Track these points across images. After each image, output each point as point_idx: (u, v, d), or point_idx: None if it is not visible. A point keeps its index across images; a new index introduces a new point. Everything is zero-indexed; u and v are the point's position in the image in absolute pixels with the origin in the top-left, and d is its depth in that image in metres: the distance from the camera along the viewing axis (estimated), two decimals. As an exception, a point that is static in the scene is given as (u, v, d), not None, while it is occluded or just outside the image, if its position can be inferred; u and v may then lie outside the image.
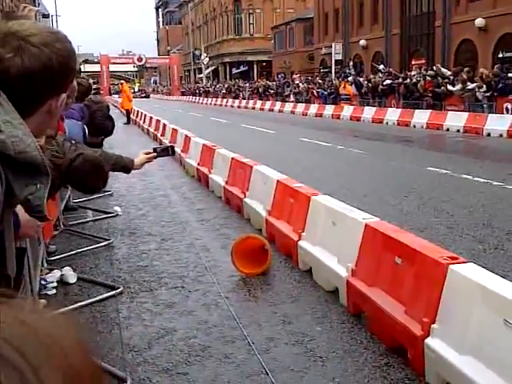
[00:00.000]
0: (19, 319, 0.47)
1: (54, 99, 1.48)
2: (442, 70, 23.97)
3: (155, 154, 4.18)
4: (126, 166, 4.11)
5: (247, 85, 51.91)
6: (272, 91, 42.87)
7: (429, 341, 3.40)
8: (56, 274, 5.34)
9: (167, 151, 4.30)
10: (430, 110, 22.35)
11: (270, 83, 45.53)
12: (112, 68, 77.42)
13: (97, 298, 4.91)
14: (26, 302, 0.52)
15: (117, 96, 53.40)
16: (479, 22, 29.41)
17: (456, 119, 20.01)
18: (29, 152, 1.34)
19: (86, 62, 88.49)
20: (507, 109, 19.48)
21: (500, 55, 28.16)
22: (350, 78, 32.06)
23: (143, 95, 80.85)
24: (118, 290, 5.05)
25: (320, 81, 36.84)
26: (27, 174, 1.38)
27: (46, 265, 5.61)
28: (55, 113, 1.53)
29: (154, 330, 4.26)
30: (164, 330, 4.25)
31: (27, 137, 1.35)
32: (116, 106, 34.78)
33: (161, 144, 16.86)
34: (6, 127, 1.33)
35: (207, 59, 73.49)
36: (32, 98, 1.44)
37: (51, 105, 1.48)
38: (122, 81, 36.68)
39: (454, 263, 3.42)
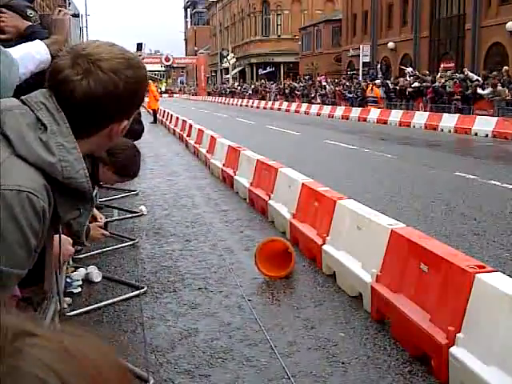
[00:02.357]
0: (63, 345, 0.47)
1: (116, 124, 1.47)
2: (469, 74, 23.67)
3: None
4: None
5: (273, 86, 51.91)
6: (298, 92, 42.79)
7: (453, 350, 3.36)
8: (81, 272, 5.39)
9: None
10: (458, 114, 22.11)
11: (297, 84, 45.47)
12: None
13: (121, 298, 4.94)
14: (67, 326, 0.52)
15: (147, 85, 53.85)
16: (510, 25, 29.00)
17: (485, 124, 19.76)
18: (77, 179, 1.35)
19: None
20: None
21: (531, 59, 27.73)
22: (378, 81, 31.86)
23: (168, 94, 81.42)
24: (142, 290, 5.08)
25: (347, 83, 36.68)
26: (73, 198, 1.39)
27: (71, 263, 5.67)
28: (115, 137, 1.52)
29: (177, 331, 4.27)
30: (187, 331, 4.26)
31: (78, 163, 1.36)
32: (143, 106, 35.02)
33: (186, 145, 16.96)
34: (59, 150, 1.33)
35: (234, 59, 73.71)
36: (93, 122, 1.43)
37: (112, 129, 1.48)
38: (149, 80, 37.11)
39: (481, 272, 3.37)
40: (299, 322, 4.42)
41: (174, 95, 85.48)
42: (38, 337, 0.46)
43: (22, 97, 1.43)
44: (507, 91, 20.79)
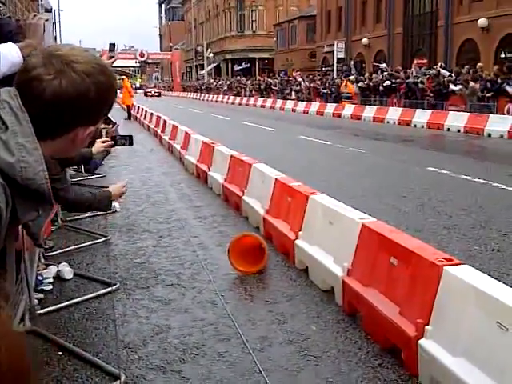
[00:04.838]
0: None
1: (82, 129, 1.45)
2: (442, 71, 23.89)
3: (112, 142, 4.14)
4: (84, 156, 4.14)
5: (249, 82, 51.90)
6: (275, 88, 42.84)
7: (422, 342, 3.40)
8: (52, 269, 5.35)
9: (126, 141, 4.14)
10: (431, 110, 22.35)
11: (272, 81, 45.52)
12: (104, 57, 76.98)
13: (93, 295, 4.90)
14: None
15: (118, 91, 53.45)
16: (482, 22, 29.39)
17: (457, 119, 20.00)
18: (36, 180, 1.32)
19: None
20: (508, 110, 19.47)
21: (502, 55, 28.12)
22: (352, 77, 32.04)
23: (156, 94, 70.68)
24: (115, 287, 5.05)
25: (322, 79, 36.82)
26: (32, 200, 1.36)
27: (42, 260, 5.62)
28: (79, 143, 1.49)
29: (150, 327, 4.26)
30: (159, 328, 4.25)
31: (38, 164, 1.33)
32: (117, 102, 34.75)
33: (161, 141, 16.88)
34: (19, 151, 1.30)
35: (211, 54, 73.52)
36: (60, 123, 1.41)
37: (77, 135, 1.45)
38: (124, 76, 36.80)
39: (448, 265, 3.42)
40: (271, 316, 4.44)
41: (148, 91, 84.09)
42: None
43: None
44: (478, 87, 21.05)
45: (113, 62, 4.67)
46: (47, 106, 1.36)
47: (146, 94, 68.08)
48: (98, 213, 7.90)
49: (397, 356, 3.70)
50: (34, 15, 3.09)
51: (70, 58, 1.38)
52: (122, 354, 3.86)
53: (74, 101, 1.37)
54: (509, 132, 17.40)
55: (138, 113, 27.30)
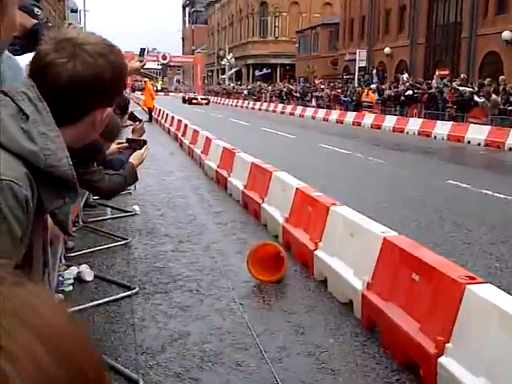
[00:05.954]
0: (28, 301, 0.48)
1: (100, 111, 1.48)
2: (460, 89, 23.61)
3: (127, 144, 4.18)
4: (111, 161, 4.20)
5: (269, 87, 51.96)
6: (295, 94, 42.87)
7: (442, 360, 3.39)
8: (73, 270, 5.39)
9: (138, 144, 4.12)
10: (452, 122, 22.22)
11: (293, 87, 45.56)
12: (133, 60, 77.34)
13: (112, 298, 4.95)
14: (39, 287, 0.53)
15: (139, 93, 53.73)
16: (506, 34, 29.18)
17: (478, 132, 19.87)
18: (59, 167, 1.34)
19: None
20: (530, 124, 19.32)
21: (526, 69, 27.90)
22: (373, 86, 31.96)
23: (204, 101, 52.65)
24: (134, 291, 5.09)
25: (343, 87, 36.81)
26: (57, 187, 1.38)
27: (63, 261, 5.67)
28: (98, 126, 1.52)
29: (168, 333, 4.28)
30: (178, 334, 4.27)
31: (61, 151, 1.35)
32: (138, 104, 34.96)
33: (181, 145, 16.96)
34: (41, 139, 1.33)
35: (233, 59, 73.73)
36: (78, 106, 1.43)
37: (96, 117, 1.47)
38: (146, 78, 36.90)
39: (471, 283, 3.40)
40: (290, 327, 4.44)
41: (170, 94, 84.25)
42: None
43: (4, 88, 1.43)
44: (500, 100, 20.90)
45: (143, 65, 4.72)
46: (64, 91, 1.38)
47: (188, 101, 52.12)
48: (119, 215, 7.99)
49: (415, 373, 3.68)
50: (69, 24, 3.13)
51: (80, 40, 1.41)
52: (141, 359, 3.88)
53: (89, 82, 1.39)
54: (530, 147, 17.25)
55: (159, 116, 27.43)
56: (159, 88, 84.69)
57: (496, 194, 9.85)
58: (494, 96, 21.07)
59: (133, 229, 7.37)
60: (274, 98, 47.32)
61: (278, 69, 69.82)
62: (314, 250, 5.56)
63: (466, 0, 33.54)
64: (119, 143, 4.30)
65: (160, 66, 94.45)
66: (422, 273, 3.88)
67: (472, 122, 21.44)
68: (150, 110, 27.56)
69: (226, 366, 3.81)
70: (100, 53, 1.41)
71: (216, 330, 4.36)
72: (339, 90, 35.99)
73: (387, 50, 41.84)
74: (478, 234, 7.30)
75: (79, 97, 1.41)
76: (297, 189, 6.59)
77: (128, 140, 4.27)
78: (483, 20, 31.93)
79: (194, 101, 51.82)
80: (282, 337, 4.26)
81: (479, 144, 19.28)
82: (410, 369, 3.74)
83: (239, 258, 6.06)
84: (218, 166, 10.78)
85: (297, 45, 63.87)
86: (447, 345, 3.39)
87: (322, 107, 35.73)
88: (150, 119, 27.02)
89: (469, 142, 19.86)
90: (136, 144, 4.21)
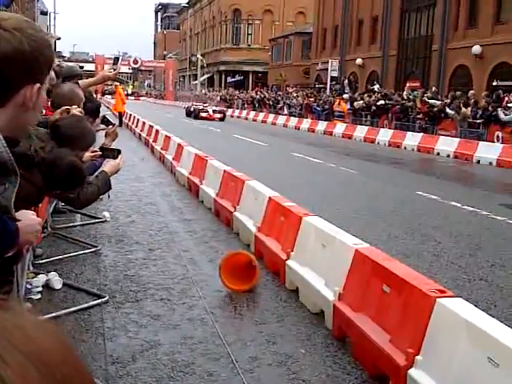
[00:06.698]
0: (18, 325, 0.47)
1: (28, 88, 1.42)
2: (430, 102, 23.97)
3: (100, 153, 4.15)
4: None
5: (242, 94, 52.05)
6: (268, 102, 43.01)
7: (412, 372, 3.42)
8: (42, 278, 5.31)
9: (112, 155, 4.05)
10: (422, 133, 22.53)
11: (267, 94, 45.73)
12: (106, 68, 76.85)
13: (82, 306, 4.88)
14: (20, 307, 0.52)
15: (109, 97, 53.31)
16: (476, 49, 29.74)
17: (447, 144, 20.18)
18: None
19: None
20: (498, 137, 19.68)
21: (494, 83, 28.44)
22: (346, 96, 32.26)
23: (217, 116, 36.38)
24: (104, 299, 5.03)
25: (315, 96, 37.09)
26: None
27: (31, 268, 5.58)
28: (31, 105, 1.46)
29: (139, 343, 4.24)
30: (148, 343, 4.24)
31: None
32: (108, 108, 34.62)
33: (152, 150, 16.85)
34: None
35: (205, 64, 73.69)
36: (3, 84, 1.39)
37: (25, 96, 1.42)
38: (116, 82, 36.51)
39: (441, 296, 3.45)
40: (261, 337, 4.44)
41: (141, 98, 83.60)
42: None
43: None
44: (469, 113, 21.28)
45: (116, 73, 4.66)
46: None
47: (194, 115, 37.15)
48: (89, 221, 7.90)
49: (385, 384, 3.71)
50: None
51: None
52: (111, 369, 3.84)
53: (10, 57, 1.36)
54: (497, 160, 17.56)
55: (129, 120, 27.24)
56: (129, 92, 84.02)
57: (465, 207, 10.01)
58: (464, 109, 21.44)
59: (103, 236, 7.29)
60: (246, 105, 47.39)
61: (251, 76, 70.02)
62: (286, 259, 5.57)
63: (437, 13, 34.14)
64: (93, 151, 4.25)
65: (131, 70, 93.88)
66: (392, 285, 3.93)
67: (442, 134, 21.78)
68: (121, 115, 27.34)
69: (198, 376, 3.79)
70: (17, 27, 1.39)
71: (187, 339, 4.34)
72: (312, 99, 36.22)
73: (359, 60, 42.28)
74: (446, 245, 7.41)
75: (2, 73, 1.37)
76: (269, 198, 6.61)
77: (102, 148, 4.22)
78: (454, 33, 32.52)
79: (203, 114, 36.45)
80: (254, 347, 4.26)
81: (448, 156, 19.58)
82: (381, 380, 3.77)
83: (211, 266, 6.05)
84: (190, 173, 10.74)
85: (270, 53, 64.16)
86: (417, 357, 3.43)
87: (294, 115, 35.92)
88: (121, 124, 26.82)
89: (438, 154, 20.16)
90: (110, 153, 4.17)
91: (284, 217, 6.08)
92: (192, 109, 39.13)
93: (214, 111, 37.85)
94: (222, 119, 36.51)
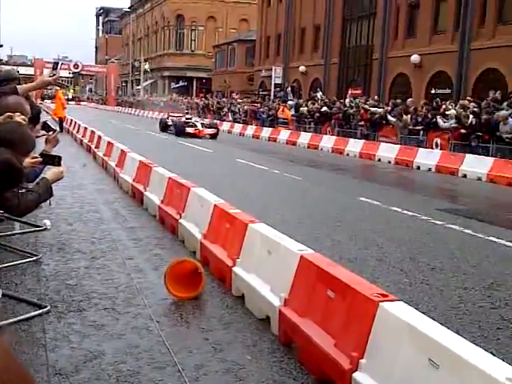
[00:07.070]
0: None
1: None
2: (372, 109, 24.53)
3: (41, 159, 4.08)
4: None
5: (186, 100, 51.83)
6: (213, 108, 42.99)
7: (356, 375, 3.49)
8: (-20, 289, 5.14)
9: (53, 162, 4.03)
10: (364, 140, 22.99)
11: (210, 101, 45.70)
12: (46, 73, 75.03)
13: (22, 317, 4.75)
14: None
15: (49, 101, 52.18)
16: (414, 58, 30.62)
17: (388, 150, 20.64)
18: None
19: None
20: (437, 144, 20.26)
21: (433, 91, 29.35)
22: (291, 102, 32.59)
23: (209, 132, 28.01)
24: (45, 309, 4.91)
25: (260, 102, 37.33)
26: None
27: (-31, 278, 5.40)
28: None
29: (82, 353, 4.16)
30: (92, 354, 4.16)
31: None
32: (48, 113, 33.83)
33: (94, 157, 16.58)
34: None
35: (149, 69, 73.07)
36: None
37: None
38: (57, 87, 35.62)
39: (384, 300, 3.53)
40: (207, 344, 4.43)
41: (82, 103, 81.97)
42: None
43: None
44: (409, 120, 21.85)
45: (55, 79, 4.57)
46: None
47: (177, 131, 28.16)
48: (28, 229, 7.69)
49: (331, 388, 3.76)
50: None
51: None
52: (53, 381, 3.75)
53: None
54: (436, 166, 18.08)
55: (70, 126, 26.71)
56: (70, 97, 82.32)
57: (405, 212, 10.25)
58: (405, 116, 21.99)
59: (43, 244, 7.11)
60: (190, 111, 47.20)
61: (195, 82, 69.85)
62: (232, 266, 5.58)
63: (377, 23, 34.95)
64: (33, 157, 4.16)
65: (71, 75, 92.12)
66: (337, 290, 3.99)
67: (383, 141, 22.28)
68: (61, 120, 26.79)
69: (143, 386, 3.75)
70: None
71: (132, 348, 4.28)
72: (258, 105, 36.42)
73: (302, 68, 42.80)
74: (388, 250, 7.57)
75: None
76: (215, 205, 6.60)
77: (42, 155, 4.13)
78: (393, 43, 33.38)
79: (189, 130, 27.75)
80: (200, 354, 4.24)
81: (389, 162, 20.03)
82: (326, 384, 3.82)
83: (155, 274, 6.00)
84: (134, 180, 10.62)
85: (213, 59, 64.18)
86: (361, 360, 3.49)
87: (239, 122, 36.02)
88: (61, 129, 26.27)
89: (379, 160, 20.59)
90: (50, 159, 4.09)
91: (230, 224, 6.09)
92: (169, 121, 30.54)
93: (205, 126, 29.11)
94: (213, 136, 27.73)
